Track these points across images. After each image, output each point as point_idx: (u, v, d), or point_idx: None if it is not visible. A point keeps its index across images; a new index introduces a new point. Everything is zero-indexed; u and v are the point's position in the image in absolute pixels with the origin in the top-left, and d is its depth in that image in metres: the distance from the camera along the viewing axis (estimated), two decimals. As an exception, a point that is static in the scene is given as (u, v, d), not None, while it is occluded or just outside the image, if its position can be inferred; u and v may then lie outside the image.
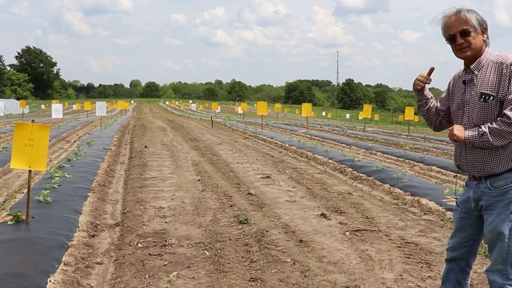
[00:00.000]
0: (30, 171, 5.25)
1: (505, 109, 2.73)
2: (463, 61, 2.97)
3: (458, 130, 2.89)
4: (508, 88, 2.73)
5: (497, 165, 2.83)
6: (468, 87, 2.93)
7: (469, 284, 3.19)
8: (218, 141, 17.52)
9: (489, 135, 2.76)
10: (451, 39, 2.90)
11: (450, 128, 2.95)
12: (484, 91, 2.80)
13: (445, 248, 3.53)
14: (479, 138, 2.80)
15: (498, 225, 2.82)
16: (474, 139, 2.82)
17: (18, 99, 65.85)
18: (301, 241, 5.25)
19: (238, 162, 11.69)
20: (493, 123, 2.76)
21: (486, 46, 2.91)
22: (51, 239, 4.71)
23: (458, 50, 2.90)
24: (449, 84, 3.16)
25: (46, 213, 5.60)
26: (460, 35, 2.85)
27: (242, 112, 45.77)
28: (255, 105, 55.67)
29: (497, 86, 2.77)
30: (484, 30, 2.89)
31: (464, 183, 3.11)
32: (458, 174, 3.15)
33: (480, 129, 2.80)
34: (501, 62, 2.78)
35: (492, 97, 2.77)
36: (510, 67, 2.74)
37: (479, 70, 2.87)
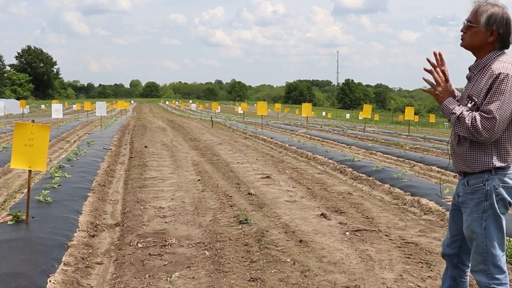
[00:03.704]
0: (30, 171, 5.25)
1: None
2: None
3: (444, 92, 2.89)
4: (484, 98, 2.72)
5: (469, 166, 2.85)
6: (467, 83, 2.94)
7: (468, 282, 3.19)
8: (218, 141, 17.52)
9: (456, 118, 2.78)
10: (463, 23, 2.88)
11: (439, 84, 2.91)
12: (471, 95, 2.79)
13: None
14: (450, 114, 2.82)
15: (472, 223, 2.85)
16: (447, 111, 2.85)
17: (18, 99, 65.84)
18: (301, 241, 5.25)
19: (238, 162, 11.69)
20: (468, 112, 2.75)
21: (493, 49, 2.80)
22: (51, 239, 4.71)
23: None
24: None
25: (46, 213, 5.60)
26: (465, 24, 2.84)
27: (242, 112, 45.78)
28: (255, 105, 55.66)
29: (481, 92, 2.75)
30: (493, 32, 2.75)
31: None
32: (457, 175, 3.16)
33: (457, 107, 2.80)
34: (492, 70, 2.72)
35: (474, 102, 2.76)
36: (495, 78, 2.68)
37: (479, 71, 2.85)
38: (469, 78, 2.93)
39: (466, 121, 2.73)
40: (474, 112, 2.74)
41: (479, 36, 2.79)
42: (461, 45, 2.90)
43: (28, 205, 5.12)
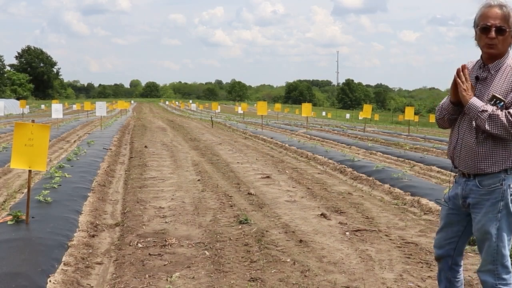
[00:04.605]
0: (30, 171, 5.25)
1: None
2: (479, 54, 2.91)
3: (468, 91, 2.83)
4: None
5: (490, 166, 2.81)
6: (479, 84, 2.89)
7: (462, 281, 3.20)
8: (218, 141, 17.52)
9: (487, 116, 2.73)
10: (484, 29, 2.78)
11: (463, 84, 2.86)
12: (497, 95, 2.76)
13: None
14: (479, 112, 2.76)
15: (486, 224, 2.83)
16: (475, 110, 2.78)
17: (18, 99, 65.81)
18: (301, 241, 5.25)
19: (238, 162, 11.69)
20: (499, 110, 2.73)
21: (510, 49, 2.85)
22: (51, 239, 4.71)
23: (487, 44, 2.80)
24: None
25: (46, 213, 5.60)
26: (496, 30, 2.76)
27: (242, 112, 45.78)
28: (255, 105, 55.62)
29: (509, 92, 2.74)
30: None
31: (454, 179, 3.10)
32: (452, 173, 3.14)
33: (485, 106, 2.76)
34: None
35: (503, 102, 2.74)
36: None
37: (497, 71, 2.83)
38: (483, 78, 2.87)
39: (501, 118, 2.69)
40: (505, 110, 2.72)
41: (509, 40, 2.81)
42: (492, 52, 2.82)
43: (28, 205, 5.12)
